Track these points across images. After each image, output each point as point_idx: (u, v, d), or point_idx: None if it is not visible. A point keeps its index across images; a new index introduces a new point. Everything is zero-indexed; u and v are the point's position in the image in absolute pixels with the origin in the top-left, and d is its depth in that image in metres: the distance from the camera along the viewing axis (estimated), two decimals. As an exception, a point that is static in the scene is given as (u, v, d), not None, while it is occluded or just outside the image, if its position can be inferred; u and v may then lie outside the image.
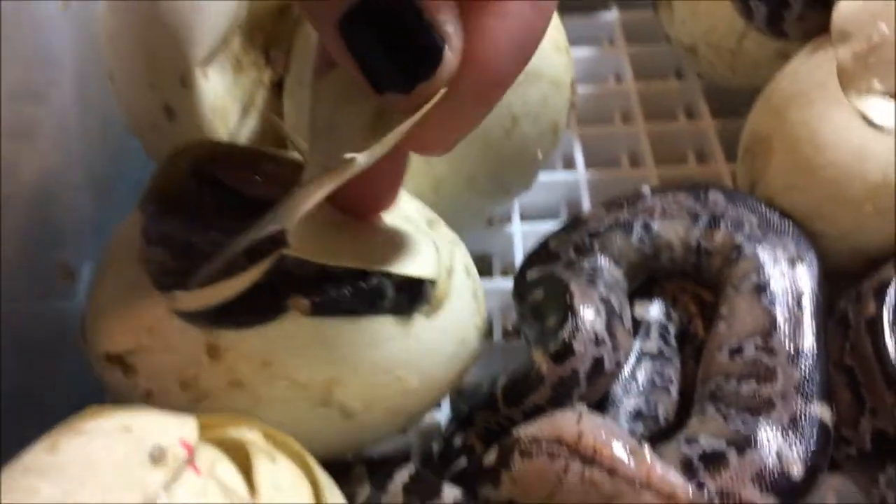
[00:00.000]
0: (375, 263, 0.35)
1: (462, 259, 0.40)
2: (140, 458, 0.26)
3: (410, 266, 0.35)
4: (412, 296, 0.36)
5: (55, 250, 0.47)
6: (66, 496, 0.25)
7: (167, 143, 0.46)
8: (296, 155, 0.40)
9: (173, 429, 0.28)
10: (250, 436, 0.30)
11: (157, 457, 0.26)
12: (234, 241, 0.34)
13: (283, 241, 0.31)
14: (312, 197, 0.30)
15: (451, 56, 0.26)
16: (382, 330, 0.35)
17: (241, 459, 0.29)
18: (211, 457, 0.28)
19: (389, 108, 0.28)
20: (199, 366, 0.34)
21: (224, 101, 0.44)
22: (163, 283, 0.35)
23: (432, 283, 0.36)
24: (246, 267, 0.33)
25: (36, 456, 0.27)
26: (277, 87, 0.47)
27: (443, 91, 0.27)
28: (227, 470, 0.28)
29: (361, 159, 0.28)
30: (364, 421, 0.37)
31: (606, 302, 0.40)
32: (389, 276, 0.35)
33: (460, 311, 0.38)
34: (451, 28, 0.26)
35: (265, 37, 0.47)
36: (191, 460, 0.27)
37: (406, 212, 0.39)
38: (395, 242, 0.36)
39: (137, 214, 0.38)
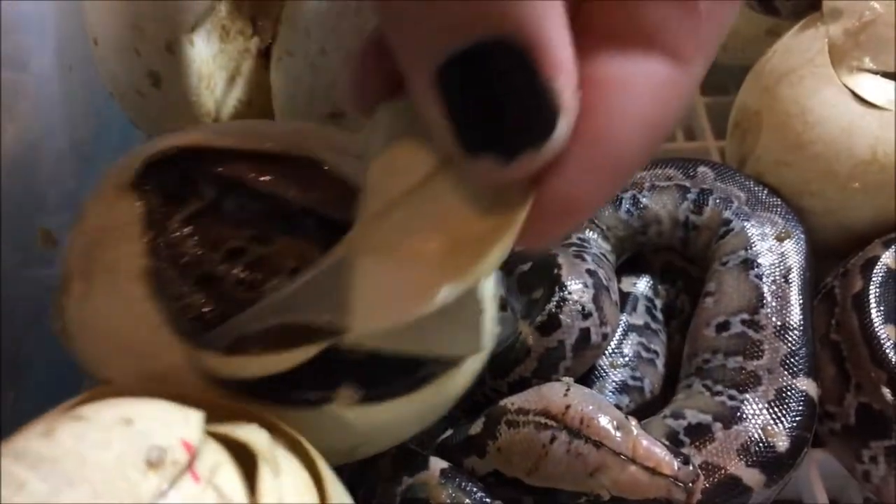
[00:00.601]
0: (433, 348, 0.30)
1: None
2: (136, 460, 0.24)
3: (464, 347, 0.31)
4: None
5: (37, 218, 0.47)
6: (53, 495, 0.23)
7: (152, 109, 0.45)
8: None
9: (176, 426, 0.26)
10: (258, 438, 0.28)
11: (155, 461, 0.24)
12: (274, 301, 0.28)
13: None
14: (370, 295, 0.24)
15: (565, 127, 0.21)
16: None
17: (246, 461, 0.27)
18: (213, 460, 0.26)
19: (472, 181, 0.23)
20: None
21: (210, 68, 0.44)
22: (181, 325, 0.29)
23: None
24: (285, 335, 0.28)
25: (31, 441, 0.25)
26: (265, 57, 0.46)
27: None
28: (229, 477, 0.26)
29: (442, 295, 0.22)
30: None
31: (594, 275, 0.40)
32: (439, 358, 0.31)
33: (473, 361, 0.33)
34: (568, 97, 0.21)
35: (252, 5, 0.46)
36: (190, 465, 0.25)
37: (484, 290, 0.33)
38: (459, 323, 0.31)
39: (132, 204, 0.31)
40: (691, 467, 0.32)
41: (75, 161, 0.51)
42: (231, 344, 0.29)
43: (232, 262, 0.30)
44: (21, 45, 0.48)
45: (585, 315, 0.38)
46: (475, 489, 0.35)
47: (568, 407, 0.34)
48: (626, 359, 0.41)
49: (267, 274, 0.30)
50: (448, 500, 0.35)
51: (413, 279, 0.23)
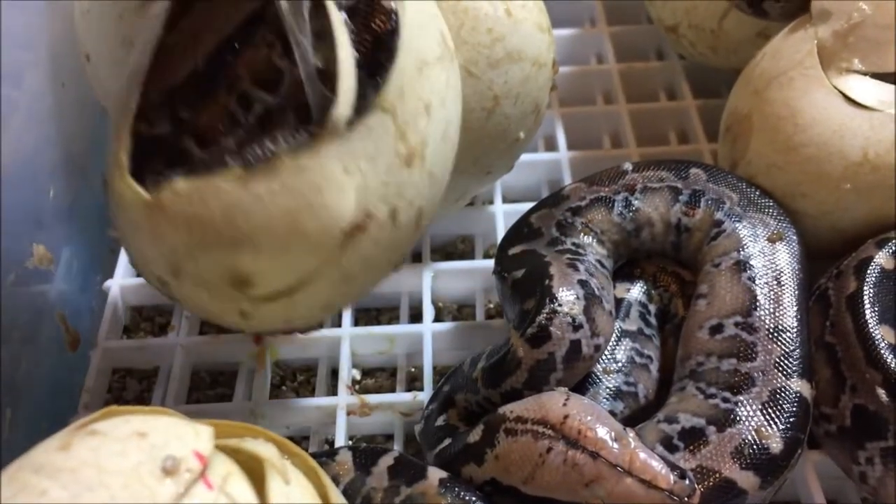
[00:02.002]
0: None
1: None
2: (152, 468, 0.26)
3: None
4: None
5: (32, 235, 0.47)
6: (73, 500, 0.24)
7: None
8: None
9: (189, 438, 0.27)
10: (265, 451, 0.29)
11: (170, 468, 0.26)
12: None
13: None
14: None
15: None
16: None
17: (255, 474, 0.28)
18: (224, 470, 0.27)
19: None
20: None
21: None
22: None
23: None
24: None
25: (48, 454, 0.26)
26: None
27: None
28: (240, 485, 0.27)
29: None
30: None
31: (586, 285, 0.39)
32: None
33: None
34: None
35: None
36: (203, 473, 0.26)
37: None
38: None
39: None
40: (687, 481, 0.32)
41: (71, 176, 0.51)
42: None
43: None
44: (15, 62, 0.48)
45: (576, 327, 0.38)
46: (474, 498, 0.35)
47: (566, 417, 0.34)
48: (620, 364, 0.41)
49: None
50: (447, 510, 0.35)
51: None
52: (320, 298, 0.35)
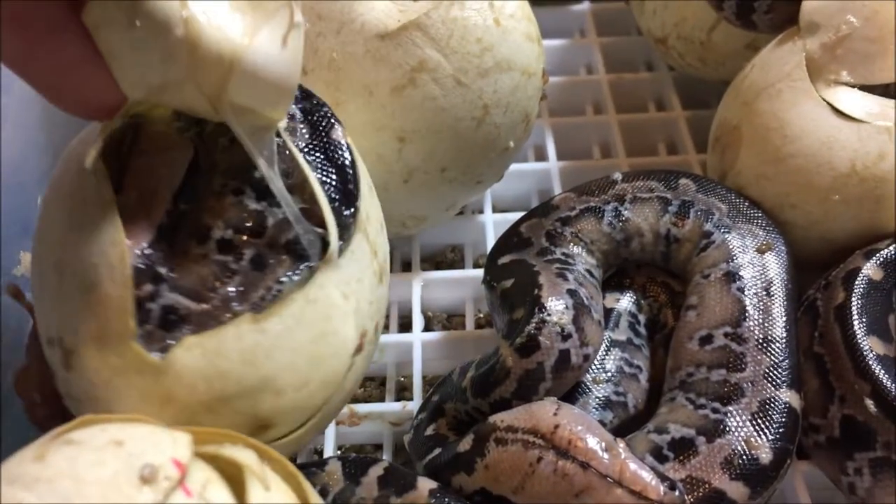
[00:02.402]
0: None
1: None
2: (130, 477, 0.25)
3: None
4: None
5: (20, 242, 0.47)
6: None
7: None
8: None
9: (166, 446, 0.27)
10: (245, 456, 0.29)
11: (148, 476, 0.25)
12: None
13: None
14: None
15: None
16: None
17: (235, 480, 0.28)
18: (203, 476, 0.27)
19: None
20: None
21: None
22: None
23: None
24: None
25: (23, 465, 0.26)
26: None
27: None
28: (219, 492, 0.27)
29: None
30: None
31: (575, 295, 0.39)
32: None
33: None
34: None
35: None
36: (182, 481, 0.26)
37: None
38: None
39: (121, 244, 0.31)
40: (677, 492, 0.32)
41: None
42: None
43: None
44: (3, 67, 0.48)
45: (565, 336, 0.38)
46: (465, 509, 0.35)
47: (557, 426, 0.34)
48: (609, 374, 0.41)
49: None
50: (437, 520, 0.35)
51: None
52: (324, 423, 0.37)
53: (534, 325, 0.38)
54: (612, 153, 0.61)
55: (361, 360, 0.36)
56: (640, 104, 0.65)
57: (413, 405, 0.45)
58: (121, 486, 0.25)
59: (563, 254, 0.44)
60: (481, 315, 0.52)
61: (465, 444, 0.36)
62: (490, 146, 0.47)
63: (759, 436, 0.37)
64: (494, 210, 0.57)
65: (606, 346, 0.42)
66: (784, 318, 0.40)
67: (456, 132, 0.45)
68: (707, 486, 0.35)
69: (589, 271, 0.43)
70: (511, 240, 0.46)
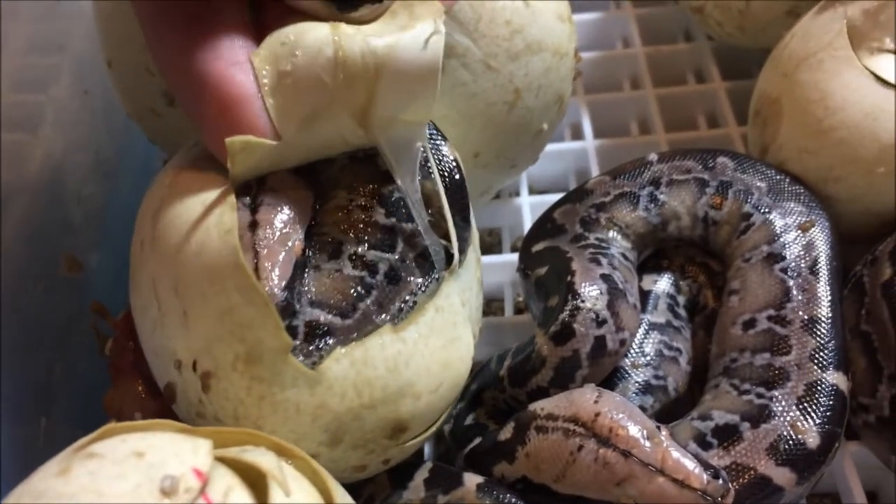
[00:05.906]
0: None
1: None
2: (151, 489, 0.26)
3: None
4: None
5: (61, 241, 0.47)
6: None
7: (169, 127, 0.46)
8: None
9: (187, 456, 0.27)
10: (266, 462, 0.29)
11: (169, 489, 0.26)
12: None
13: None
14: None
15: None
16: None
17: (256, 484, 0.28)
18: (224, 484, 0.27)
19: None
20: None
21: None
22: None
23: None
24: None
25: (47, 481, 0.26)
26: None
27: None
28: (241, 499, 0.27)
29: None
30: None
31: (609, 279, 0.39)
32: None
33: None
34: None
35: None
36: (203, 491, 0.26)
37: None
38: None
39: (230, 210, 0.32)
40: (721, 481, 0.31)
41: (99, 181, 0.52)
42: None
43: None
44: (39, 68, 0.48)
45: (600, 322, 0.37)
46: (514, 500, 0.35)
47: (597, 414, 0.33)
48: (648, 358, 0.40)
49: None
50: (488, 515, 0.35)
51: None
52: (443, 423, 0.38)
53: (568, 312, 0.37)
54: (651, 129, 0.60)
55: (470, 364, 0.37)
56: (679, 77, 0.64)
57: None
58: (143, 498, 0.25)
59: (598, 238, 0.43)
60: (521, 299, 0.52)
61: (506, 432, 0.36)
62: (523, 130, 0.46)
63: (806, 420, 0.36)
64: (531, 192, 0.56)
65: (645, 329, 0.41)
66: (829, 298, 0.39)
67: (488, 117, 0.44)
68: (752, 472, 0.35)
69: (624, 255, 0.43)
70: (545, 226, 0.45)
